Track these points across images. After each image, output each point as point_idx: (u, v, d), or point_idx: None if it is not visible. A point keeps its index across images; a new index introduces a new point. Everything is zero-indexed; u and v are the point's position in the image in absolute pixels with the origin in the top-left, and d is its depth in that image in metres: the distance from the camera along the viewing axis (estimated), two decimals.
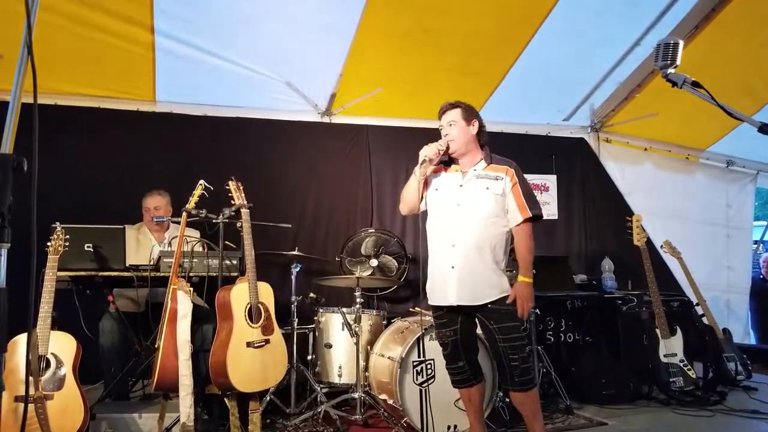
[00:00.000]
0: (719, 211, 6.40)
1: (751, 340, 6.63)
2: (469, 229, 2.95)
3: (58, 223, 3.00)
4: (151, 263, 3.43)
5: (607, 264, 4.97)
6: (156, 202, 3.94)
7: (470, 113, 3.08)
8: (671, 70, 2.10)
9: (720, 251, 6.34)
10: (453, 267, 2.95)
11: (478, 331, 3.10)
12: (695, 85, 2.07)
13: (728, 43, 4.69)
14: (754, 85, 5.09)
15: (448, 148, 3.02)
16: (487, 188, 2.98)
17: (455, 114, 3.07)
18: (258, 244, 3.36)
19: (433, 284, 3.06)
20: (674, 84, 2.09)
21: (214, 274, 3.36)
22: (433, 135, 5.39)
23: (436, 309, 3.07)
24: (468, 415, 3.16)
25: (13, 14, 3.31)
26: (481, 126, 3.10)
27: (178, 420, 3.00)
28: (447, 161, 3.12)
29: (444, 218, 3.04)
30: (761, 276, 6.94)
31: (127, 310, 3.62)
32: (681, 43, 2.10)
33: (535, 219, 2.99)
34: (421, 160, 3.00)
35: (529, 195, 3.01)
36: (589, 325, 4.56)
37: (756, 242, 7.45)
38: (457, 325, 3.00)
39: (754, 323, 6.83)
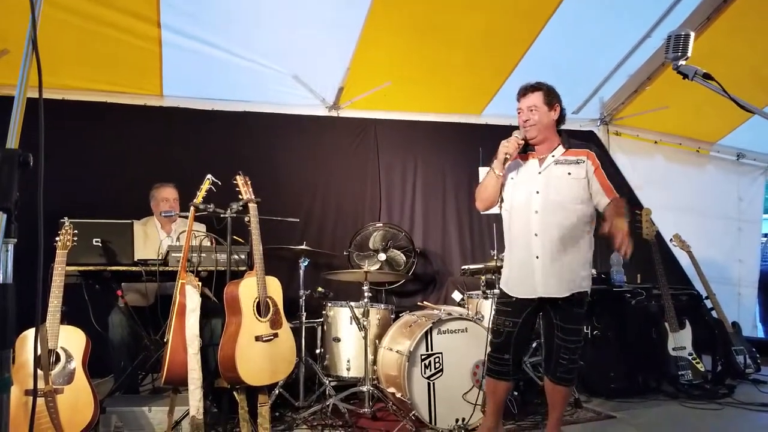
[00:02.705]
0: (730, 205, 6.35)
1: (759, 333, 6.59)
2: (552, 218, 2.87)
3: (66, 218, 3.01)
4: (160, 257, 3.44)
5: (616, 257, 4.93)
6: (170, 194, 3.95)
7: (553, 97, 2.96)
8: (682, 62, 2.07)
9: (731, 245, 6.29)
10: (537, 257, 2.87)
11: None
12: (706, 77, 2.04)
13: (740, 34, 4.63)
14: (766, 77, 5.03)
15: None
16: (569, 173, 2.90)
17: (537, 98, 2.94)
18: (266, 238, 3.35)
19: (513, 275, 2.97)
20: (685, 76, 2.07)
21: (223, 269, 3.37)
22: (442, 129, 5.46)
23: (505, 295, 2.99)
24: (487, 404, 3.12)
25: (21, 10, 3.32)
26: (562, 111, 3.00)
27: (188, 413, 3.02)
28: (526, 146, 3.03)
29: (524, 207, 2.94)
30: None
31: (136, 305, 3.64)
32: (692, 34, 2.08)
33: None
34: (501, 157, 2.91)
35: (610, 176, 2.94)
36: (597, 319, 4.54)
37: (765, 235, 7.39)
38: (520, 318, 2.92)
39: (762, 316, 6.78)
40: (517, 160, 3.05)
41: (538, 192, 2.91)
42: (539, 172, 2.95)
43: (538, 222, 2.89)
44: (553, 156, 2.95)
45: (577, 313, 2.88)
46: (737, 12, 4.41)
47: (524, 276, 2.92)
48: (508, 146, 2.90)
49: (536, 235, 2.89)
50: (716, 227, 6.20)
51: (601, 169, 2.92)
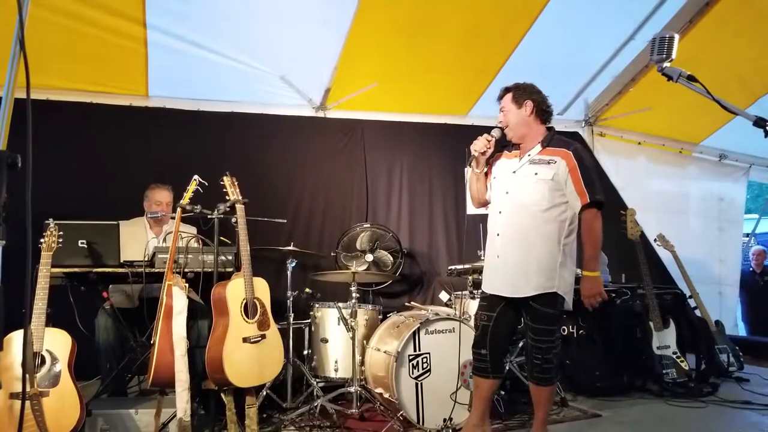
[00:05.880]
0: (712, 205, 6.45)
1: (740, 331, 6.69)
2: (513, 219, 2.91)
3: (51, 220, 2.97)
4: (146, 259, 3.41)
5: (601, 257, 4.98)
6: (164, 197, 3.92)
7: (522, 95, 2.98)
8: (667, 64, 2.11)
9: (712, 244, 6.39)
10: (498, 257, 2.96)
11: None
12: (691, 78, 2.07)
13: (722, 37, 4.71)
14: (748, 79, 5.12)
15: (504, 135, 3.02)
16: (536, 174, 2.89)
17: (506, 99, 3.02)
18: (253, 239, 3.34)
19: (485, 272, 3.09)
20: (670, 78, 2.10)
21: (210, 270, 3.35)
22: (428, 129, 5.48)
23: (483, 291, 3.09)
24: (473, 399, 3.16)
25: (5, 8, 3.29)
26: (537, 105, 2.97)
27: (175, 415, 2.99)
28: (511, 145, 3.08)
29: (495, 206, 3.04)
30: (751, 269, 7.00)
31: (122, 306, 3.61)
32: (677, 37, 2.11)
33: (595, 205, 2.86)
34: (470, 157, 3.01)
35: (589, 179, 2.85)
36: (582, 318, 4.58)
37: (747, 235, 7.50)
38: (494, 313, 2.98)
39: (744, 315, 6.89)
40: (502, 158, 3.12)
41: (507, 192, 2.98)
42: (514, 172, 3.00)
43: (501, 223, 2.98)
44: (529, 155, 2.98)
45: (545, 313, 2.87)
46: (719, 15, 4.49)
47: (489, 273, 3.05)
48: (476, 146, 3.01)
49: (498, 235, 2.98)
50: (698, 227, 6.31)
51: (577, 170, 2.85)
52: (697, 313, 4.96)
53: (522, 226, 2.90)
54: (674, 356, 4.47)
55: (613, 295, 4.70)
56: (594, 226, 2.88)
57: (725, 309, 6.33)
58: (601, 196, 2.88)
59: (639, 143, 6.12)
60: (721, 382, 4.52)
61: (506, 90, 3.06)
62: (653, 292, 4.61)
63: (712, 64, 4.82)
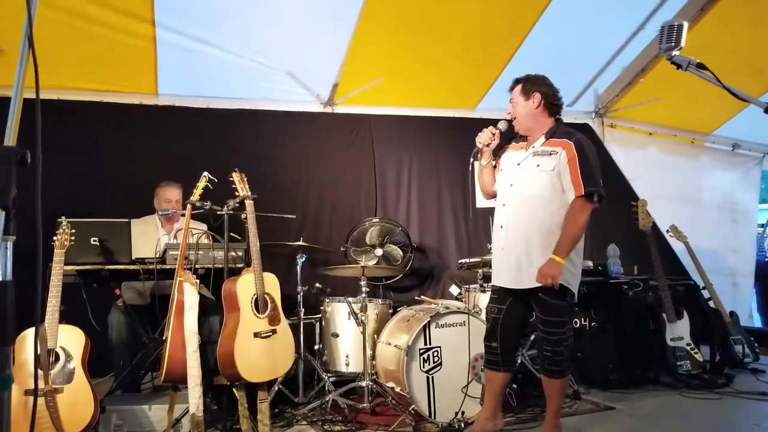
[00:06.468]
0: (725, 195, 6.38)
1: (755, 323, 6.62)
2: (516, 211, 2.93)
3: (63, 218, 3.01)
4: (157, 256, 3.43)
5: (613, 249, 4.96)
6: (173, 195, 3.94)
7: (530, 87, 2.98)
8: (676, 53, 2.07)
9: (725, 235, 6.32)
10: (502, 249, 2.97)
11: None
12: (700, 67, 2.04)
13: (733, 25, 4.65)
14: (760, 67, 5.04)
15: (512, 127, 3.03)
16: (538, 165, 2.89)
17: (515, 91, 3.03)
18: (262, 235, 3.36)
19: (493, 264, 3.12)
20: (679, 66, 2.06)
21: (220, 266, 3.36)
22: (436, 123, 5.46)
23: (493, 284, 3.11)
24: (485, 393, 3.16)
25: (15, 8, 3.31)
26: (545, 97, 2.96)
27: (188, 411, 3.02)
28: (519, 137, 3.10)
29: (500, 199, 3.06)
30: (765, 259, 6.92)
31: (134, 303, 3.63)
32: (686, 24, 2.07)
33: (591, 197, 2.80)
34: (475, 149, 3.04)
35: (587, 171, 2.81)
36: (595, 311, 4.56)
37: (761, 225, 7.40)
38: (504, 305, 3.00)
39: (759, 306, 6.81)
40: (509, 150, 3.14)
41: (512, 185, 2.99)
42: (518, 164, 3.00)
43: (505, 215, 2.99)
44: (533, 147, 2.98)
45: (555, 304, 2.85)
46: (730, 2, 4.42)
47: (495, 266, 3.07)
48: (481, 138, 3.04)
49: (502, 227, 2.99)
50: (711, 218, 6.24)
51: (576, 161, 2.82)
52: (711, 304, 4.92)
53: (525, 218, 2.90)
54: (688, 348, 4.44)
55: (625, 286, 4.67)
56: (578, 215, 2.81)
57: (739, 300, 6.26)
58: (599, 189, 2.83)
59: (650, 134, 6.06)
60: (736, 374, 4.49)
61: (516, 81, 3.07)
62: (666, 283, 4.56)
63: (724, 52, 4.73)
